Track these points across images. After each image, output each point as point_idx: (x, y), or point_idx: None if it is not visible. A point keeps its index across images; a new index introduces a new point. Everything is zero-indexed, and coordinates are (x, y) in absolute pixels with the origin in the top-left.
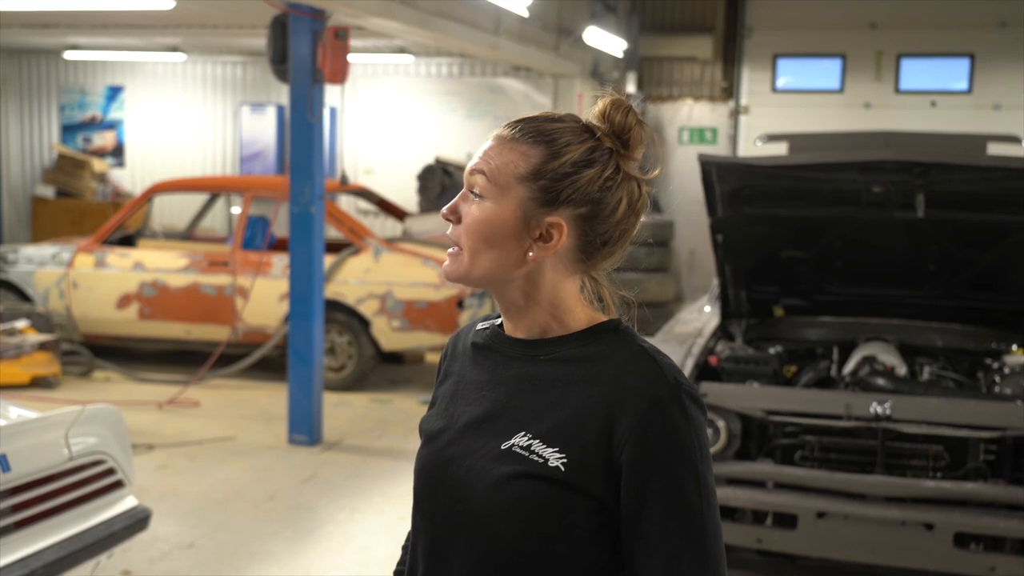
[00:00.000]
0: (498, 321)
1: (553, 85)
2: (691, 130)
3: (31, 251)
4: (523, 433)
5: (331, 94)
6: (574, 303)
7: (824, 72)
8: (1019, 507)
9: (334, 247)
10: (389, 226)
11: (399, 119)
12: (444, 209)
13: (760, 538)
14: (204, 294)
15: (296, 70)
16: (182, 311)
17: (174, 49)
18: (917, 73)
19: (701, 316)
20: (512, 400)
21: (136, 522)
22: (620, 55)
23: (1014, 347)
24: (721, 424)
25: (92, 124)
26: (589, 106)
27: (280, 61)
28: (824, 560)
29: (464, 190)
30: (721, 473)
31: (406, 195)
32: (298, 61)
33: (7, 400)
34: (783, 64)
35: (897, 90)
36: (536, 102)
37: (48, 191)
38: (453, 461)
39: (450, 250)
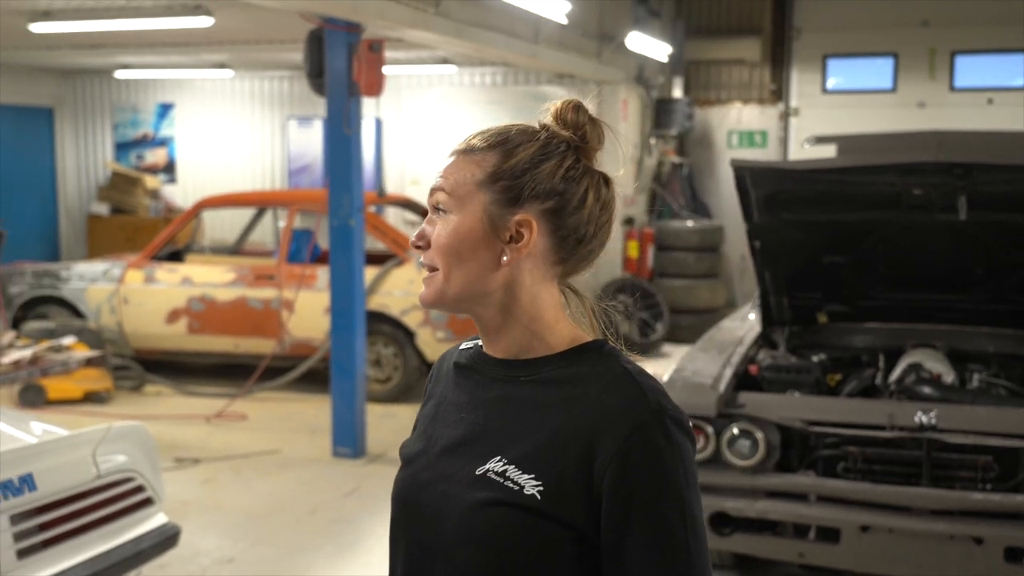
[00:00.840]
0: (476, 341)
1: (597, 92)
2: (740, 133)
3: (83, 268)
4: (499, 458)
5: (376, 106)
6: (555, 318)
7: (876, 72)
8: None
9: (379, 259)
10: None
11: (444, 129)
12: (413, 237)
13: (802, 552)
14: (251, 308)
15: (332, 83)
16: (230, 325)
17: (222, 66)
18: (972, 70)
19: (744, 324)
20: (490, 423)
21: (165, 539)
22: (665, 59)
23: None
24: (759, 436)
25: (144, 141)
26: (635, 114)
27: (317, 75)
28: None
29: (428, 215)
30: (761, 486)
31: None
32: (334, 75)
33: (37, 417)
34: (833, 64)
35: (952, 88)
36: None
37: (103, 208)
38: (428, 486)
39: (424, 276)
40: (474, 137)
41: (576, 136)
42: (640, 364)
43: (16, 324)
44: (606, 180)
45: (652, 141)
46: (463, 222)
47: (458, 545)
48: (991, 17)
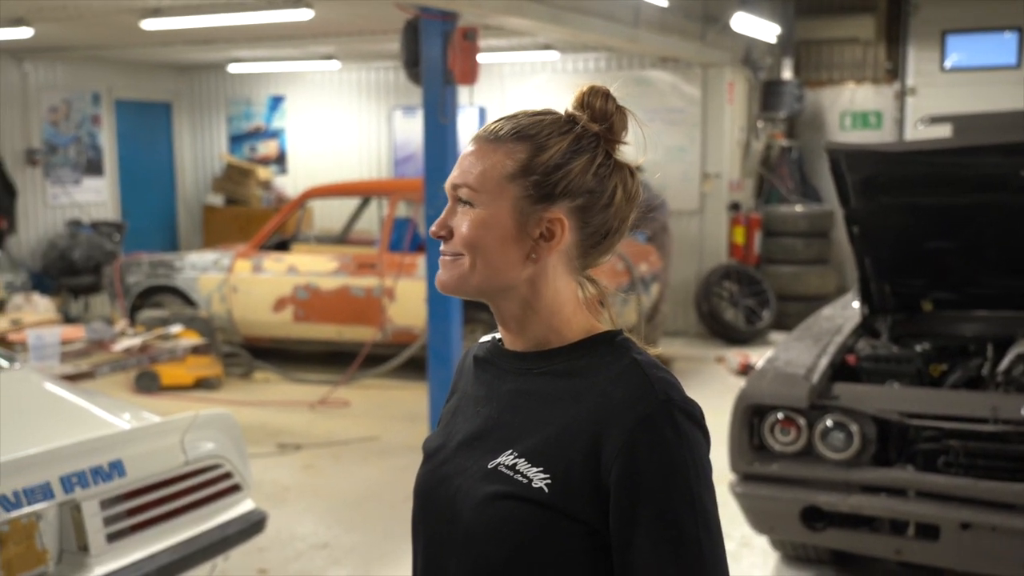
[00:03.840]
0: (496, 336)
1: (702, 75)
2: (854, 115)
3: (195, 258)
4: (510, 451)
5: (475, 94)
6: (573, 311)
7: (999, 47)
8: None
9: None
10: None
11: None
12: (433, 227)
13: (899, 549)
14: (353, 296)
15: (428, 72)
16: (333, 313)
17: (329, 57)
18: None
19: (845, 312)
20: (503, 416)
21: (252, 525)
22: (774, 40)
23: None
24: (854, 428)
25: (257, 134)
26: (741, 98)
27: (413, 64)
28: (969, 575)
29: (450, 204)
30: (856, 480)
31: None
32: (429, 63)
33: (147, 405)
34: (953, 41)
35: None
36: (684, 92)
37: (217, 199)
38: (446, 480)
39: (445, 257)
40: (500, 124)
41: (604, 127)
42: (652, 355)
43: (133, 312)
44: (632, 172)
45: (760, 124)
46: (491, 216)
47: (470, 539)
48: None
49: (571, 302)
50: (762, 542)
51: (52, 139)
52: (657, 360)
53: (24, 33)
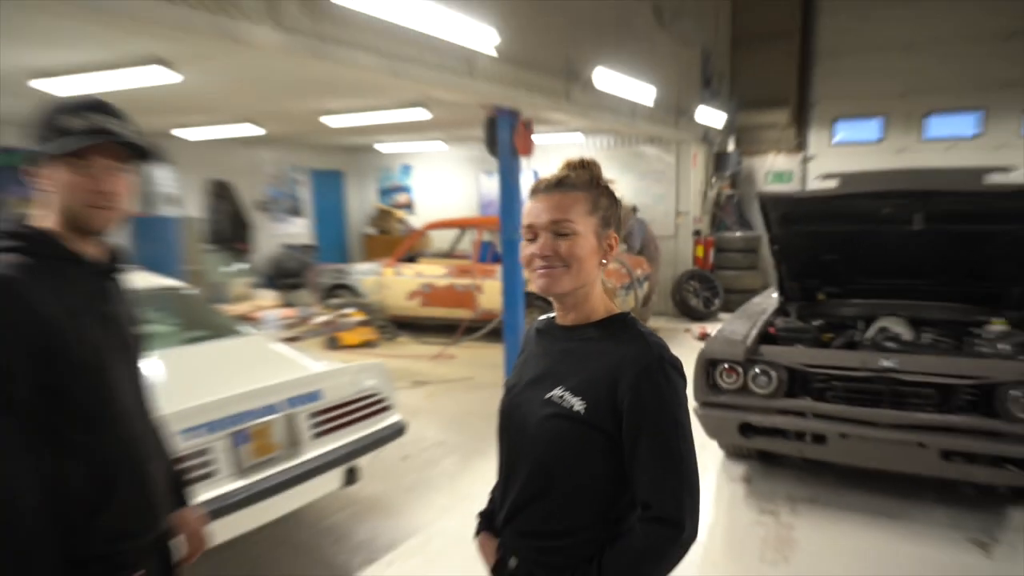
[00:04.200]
0: (552, 315)
1: (676, 148)
2: (773, 174)
3: (360, 266)
4: (560, 387)
5: (532, 162)
6: (599, 297)
7: (870, 128)
8: (989, 432)
9: None
10: None
11: None
12: (542, 251)
13: (801, 450)
14: (457, 290)
15: (501, 149)
16: (445, 300)
17: (440, 140)
18: (938, 125)
19: (767, 300)
20: (554, 366)
21: (397, 431)
22: (722, 125)
23: (992, 319)
24: (774, 374)
25: (395, 189)
26: (701, 163)
27: (492, 144)
28: (847, 466)
29: (547, 234)
30: (774, 406)
31: None
32: (502, 143)
33: (333, 357)
34: (840, 124)
35: (921, 139)
36: (664, 160)
37: (372, 230)
38: (518, 406)
39: (543, 271)
40: (560, 180)
41: (607, 181)
42: (649, 328)
43: (323, 300)
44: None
45: (713, 180)
46: (587, 240)
47: (533, 443)
48: (951, 87)
49: (600, 292)
50: (713, 445)
51: (272, 194)
52: (653, 331)
53: (257, 130)
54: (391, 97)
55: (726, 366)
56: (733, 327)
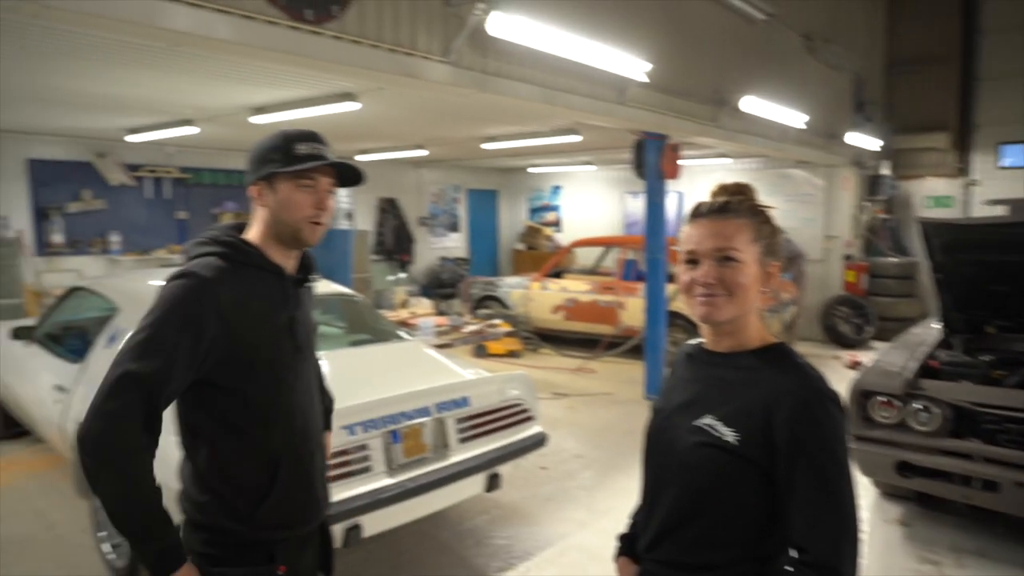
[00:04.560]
0: (701, 340)
1: (826, 172)
2: (933, 198)
3: (508, 280)
4: (709, 415)
5: (678, 184)
6: (755, 326)
7: None
8: None
9: (673, 278)
10: None
11: None
12: (705, 278)
13: (967, 495)
14: (600, 306)
15: (648, 171)
16: (588, 315)
17: (588, 163)
18: None
19: (928, 330)
20: (704, 393)
21: (538, 441)
22: (878, 148)
23: None
24: (937, 411)
25: (544, 208)
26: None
27: (639, 167)
28: (1020, 518)
29: (710, 262)
30: (936, 445)
31: None
32: (649, 166)
33: (480, 364)
34: (1005, 148)
35: None
36: (813, 183)
37: (521, 246)
38: (666, 431)
39: (705, 299)
40: (721, 206)
41: (766, 207)
42: (807, 359)
43: (474, 310)
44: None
45: (867, 204)
46: (750, 268)
47: (680, 470)
48: None
49: (757, 321)
50: (865, 481)
51: (433, 211)
52: (810, 363)
53: (422, 153)
54: (546, 123)
55: (882, 399)
56: (890, 357)
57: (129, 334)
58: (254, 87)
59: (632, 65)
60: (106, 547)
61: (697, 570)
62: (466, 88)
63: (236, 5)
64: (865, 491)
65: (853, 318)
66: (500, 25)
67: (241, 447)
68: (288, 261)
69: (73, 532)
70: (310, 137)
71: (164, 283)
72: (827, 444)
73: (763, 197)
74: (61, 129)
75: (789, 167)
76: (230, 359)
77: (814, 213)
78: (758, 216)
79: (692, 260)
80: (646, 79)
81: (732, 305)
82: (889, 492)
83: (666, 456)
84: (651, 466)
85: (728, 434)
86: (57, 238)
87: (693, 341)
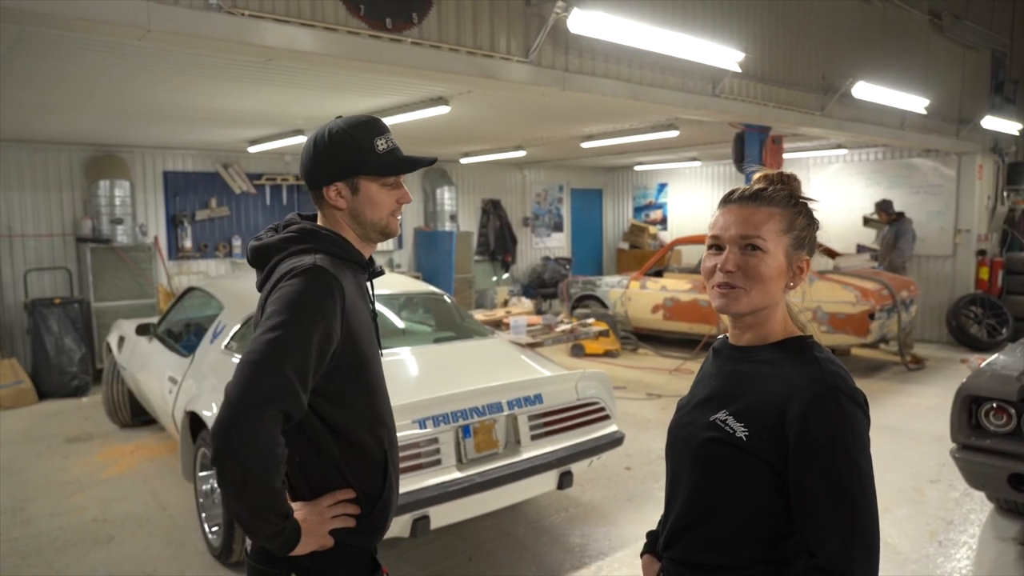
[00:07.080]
0: (726, 334)
1: (956, 160)
2: None
3: (607, 279)
4: (724, 411)
5: None
6: (779, 319)
7: None
8: None
9: None
10: (823, 262)
11: (839, 193)
12: (731, 267)
13: None
14: (700, 306)
15: (749, 165)
16: (687, 315)
17: (694, 159)
18: None
19: None
20: (722, 387)
21: (614, 440)
22: (1017, 133)
23: None
24: None
25: (650, 206)
26: (988, 175)
27: (740, 160)
28: None
29: (734, 248)
30: None
31: (843, 243)
32: (750, 159)
33: (575, 364)
34: None
35: None
36: (942, 173)
37: (625, 245)
38: (685, 426)
39: (722, 289)
40: (753, 193)
41: (806, 198)
42: (829, 354)
43: (573, 309)
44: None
45: (1005, 194)
46: (775, 258)
47: (692, 467)
48: None
49: (782, 315)
50: (979, 494)
51: (536, 211)
52: (834, 357)
53: (521, 153)
54: (642, 120)
55: (994, 405)
56: (1007, 360)
57: (257, 333)
58: (354, 95)
59: (723, 55)
60: (207, 527)
61: (709, 571)
62: (547, 87)
63: (319, 18)
64: (980, 504)
65: (986, 318)
66: (581, 22)
67: (352, 453)
68: (368, 254)
69: (181, 512)
70: (381, 130)
71: (285, 278)
72: (841, 443)
73: (884, 190)
74: (192, 143)
75: (914, 156)
76: (343, 362)
77: (943, 205)
78: (793, 207)
79: (716, 246)
80: (738, 69)
81: (749, 298)
82: (1007, 507)
83: (683, 453)
84: (670, 463)
85: (739, 429)
86: (187, 243)
87: (721, 335)
